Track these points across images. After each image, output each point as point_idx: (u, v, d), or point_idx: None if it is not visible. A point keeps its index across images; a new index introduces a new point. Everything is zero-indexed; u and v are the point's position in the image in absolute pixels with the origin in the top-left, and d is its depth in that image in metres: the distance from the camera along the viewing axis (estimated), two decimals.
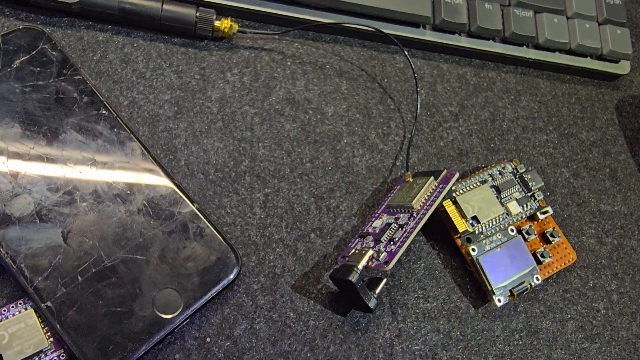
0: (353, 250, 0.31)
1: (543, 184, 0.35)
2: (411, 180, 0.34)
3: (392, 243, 0.30)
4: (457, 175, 0.32)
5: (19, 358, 0.25)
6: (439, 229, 0.34)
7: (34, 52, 0.33)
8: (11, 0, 0.35)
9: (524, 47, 0.42)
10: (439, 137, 0.38)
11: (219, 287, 0.29)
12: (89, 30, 0.35)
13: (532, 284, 0.33)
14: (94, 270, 0.28)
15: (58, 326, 0.26)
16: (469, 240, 0.33)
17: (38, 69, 0.32)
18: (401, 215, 0.32)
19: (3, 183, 0.29)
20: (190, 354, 0.29)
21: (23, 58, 0.32)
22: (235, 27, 0.37)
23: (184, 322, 0.28)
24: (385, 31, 0.38)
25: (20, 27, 0.33)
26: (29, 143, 0.30)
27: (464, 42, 0.40)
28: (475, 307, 0.34)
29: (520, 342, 0.33)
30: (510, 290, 0.33)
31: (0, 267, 0.28)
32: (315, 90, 0.37)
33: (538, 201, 0.35)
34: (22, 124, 0.30)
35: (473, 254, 0.33)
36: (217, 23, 0.36)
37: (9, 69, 0.32)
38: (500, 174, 0.35)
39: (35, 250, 0.27)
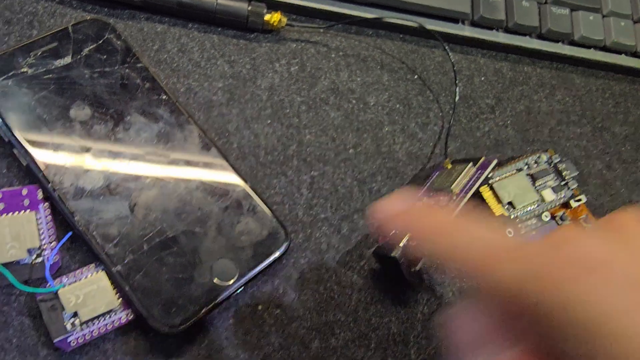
0: (394, 230, 0.33)
1: (577, 172, 0.37)
2: (450, 166, 0.36)
3: None
4: (495, 162, 0.34)
5: (92, 315, 0.28)
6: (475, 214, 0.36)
7: (100, 42, 0.35)
8: None
9: (560, 43, 0.43)
10: (475, 127, 0.40)
11: (270, 259, 0.31)
12: (148, 22, 0.38)
13: None
14: (157, 239, 0.30)
15: (127, 288, 0.29)
16: (504, 224, 0.35)
17: (104, 56, 0.35)
18: (441, 198, 0.34)
19: (76, 159, 0.31)
20: (243, 320, 0.31)
21: (91, 46, 0.35)
22: (284, 20, 0.39)
23: (239, 290, 0.30)
24: (427, 26, 0.40)
25: (88, 18, 0.36)
26: (99, 123, 0.33)
27: (501, 37, 0.42)
28: None
29: None
30: None
31: (73, 235, 0.30)
32: (358, 81, 0.40)
33: (572, 190, 0.37)
34: (92, 106, 0.33)
35: (509, 236, 0.34)
36: (267, 16, 0.38)
37: (79, 57, 0.34)
38: (535, 163, 0.37)
39: (105, 220, 0.30)
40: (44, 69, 0.33)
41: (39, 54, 0.34)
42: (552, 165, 0.37)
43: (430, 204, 0.22)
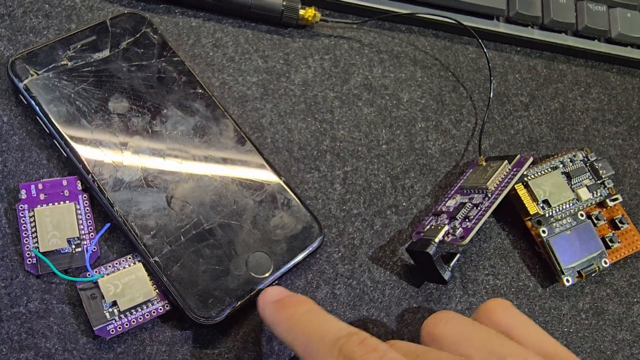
0: (428, 227, 0.33)
1: (613, 172, 0.36)
2: (484, 164, 0.36)
3: (467, 220, 0.32)
4: (530, 159, 0.33)
5: (130, 304, 0.28)
6: (508, 211, 0.36)
7: (137, 35, 0.36)
8: None
9: (596, 40, 0.43)
10: (509, 125, 0.40)
11: (305, 253, 0.31)
12: (183, 17, 0.38)
13: (600, 267, 0.34)
14: (194, 232, 0.31)
15: (165, 279, 0.29)
16: (539, 223, 0.34)
17: (142, 50, 0.35)
18: (475, 195, 0.33)
19: (115, 151, 0.32)
20: None
21: (129, 40, 0.35)
22: (318, 16, 0.39)
23: (273, 283, 0.31)
24: (463, 23, 0.40)
25: (125, 12, 0.36)
26: (136, 116, 0.33)
27: (536, 34, 0.42)
28: (543, 286, 0.35)
29: (587, 322, 0.35)
30: (578, 272, 0.34)
31: (111, 227, 0.31)
32: (391, 77, 0.39)
33: (608, 189, 0.36)
34: (130, 99, 0.33)
35: (543, 235, 0.34)
36: (302, 12, 0.39)
37: (117, 50, 0.35)
38: (571, 161, 0.37)
39: (143, 211, 0.30)
40: (84, 62, 0.34)
41: (79, 47, 0.34)
42: (588, 164, 0.37)
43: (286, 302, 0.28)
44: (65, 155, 0.31)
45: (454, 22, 0.40)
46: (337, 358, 0.22)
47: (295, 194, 0.33)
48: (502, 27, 0.41)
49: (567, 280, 0.34)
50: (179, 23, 0.38)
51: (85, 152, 0.31)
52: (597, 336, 0.34)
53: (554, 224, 0.35)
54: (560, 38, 0.42)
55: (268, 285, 0.30)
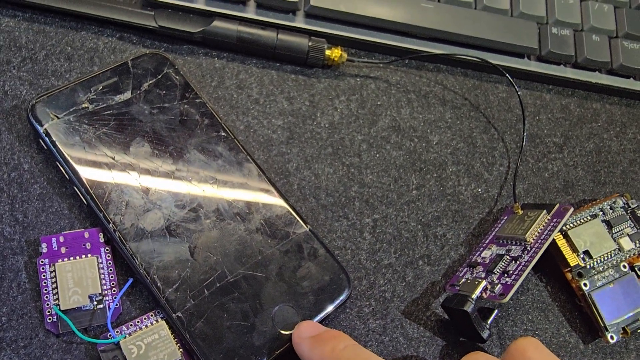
0: (463, 280, 0.31)
1: None
2: (520, 212, 0.34)
3: (506, 275, 0.30)
4: (571, 210, 0.32)
5: None
6: (546, 262, 0.34)
7: (159, 76, 0.35)
8: (138, 29, 0.37)
9: (631, 79, 0.41)
10: (543, 168, 0.38)
11: (333, 306, 0.30)
12: (206, 58, 0.38)
13: None
14: (218, 284, 0.29)
15: (188, 336, 0.27)
16: (580, 275, 0.32)
17: (163, 92, 0.34)
18: (513, 247, 0.32)
19: (136, 198, 0.30)
20: None
21: (150, 81, 0.34)
22: (345, 56, 0.38)
23: None
24: (492, 62, 0.38)
25: (147, 52, 0.35)
26: (158, 161, 0.32)
27: (569, 73, 0.40)
28: (584, 342, 0.33)
29: None
30: (623, 328, 0.32)
31: (133, 281, 0.29)
32: (420, 118, 0.38)
33: None
34: (151, 143, 0.32)
35: (585, 288, 0.32)
36: (328, 52, 0.38)
37: (138, 92, 0.34)
38: (611, 208, 0.35)
39: (166, 262, 0.29)
40: (105, 105, 0.33)
41: (100, 89, 0.33)
42: (629, 211, 0.35)
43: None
44: (86, 203, 0.30)
45: (481, 61, 0.38)
46: None
47: (322, 243, 0.32)
48: (534, 66, 0.40)
49: (612, 337, 0.32)
50: (202, 64, 0.37)
51: (106, 199, 0.30)
52: None
53: (596, 277, 0.33)
54: (595, 77, 0.41)
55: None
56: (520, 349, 0.27)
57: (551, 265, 0.34)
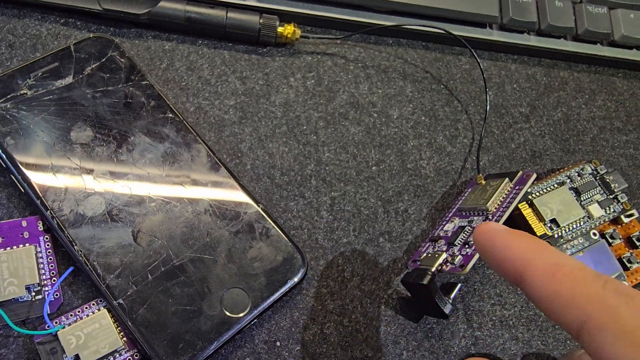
0: (425, 254, 0.30)
1: (626, 185, 0.33)
2: (483, 182, 0.33)
3: (467, 246, 0.29)
4: (534, 176, 0.30)
5: (95, 357, 0.25)
6: None
7: (103, 60, 0.33)
8: (83, 13, 0.36)
9: (598, 44, 0.40)
10: (509, 138, 0.37)
11: (285, 287, 0.28)
12: (155, 40, 0.36)
13: None
14: (163, 269, 0.28)
15: (130, 323, 0.26)
16: None
17: (107, 75, 0.33)
18: (475, 218, 0.30)
19: (77, 184, 0.29)
20: (260, 358, 0.28)
21: (93, 65, 0.33)
22: (298, 32, 0.36)
23: (252, 322, 0.27)
24: (453, 32, 0.37)
25: (91, 36, 0.34)
26: (100, 145, 0.30)
27: (533, 41, 0.39)
28: None
29: None
30: None
31: (75, 270, 0.28)
32: (379, 93, 0.37)
33: (622, 204, 0.33)
34: (94, 127, 0.31)
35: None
36: (280, 29, 0.36)
37: (80, 76, 0.32)
38: (579, 175, 0.33)
39: (107, 248, 0.28)
40: (45, 90, 0.31)
41: (39, 74, 0.32)
42: (598, 178, 0.33)
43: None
44: (23, 190, 0.29)
45: (443, 32, 0.37)
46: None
47: (275, 222, 0.30)
48: (496, 35, 0.39)
49: None
50: (151, 47, 0.36)
51: (44, 186, 0.28)
52: None
53: (565, 245, 0.31)
54: (560, 44, 0.39)
55: (245, 326, 0.27)
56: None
57: None
